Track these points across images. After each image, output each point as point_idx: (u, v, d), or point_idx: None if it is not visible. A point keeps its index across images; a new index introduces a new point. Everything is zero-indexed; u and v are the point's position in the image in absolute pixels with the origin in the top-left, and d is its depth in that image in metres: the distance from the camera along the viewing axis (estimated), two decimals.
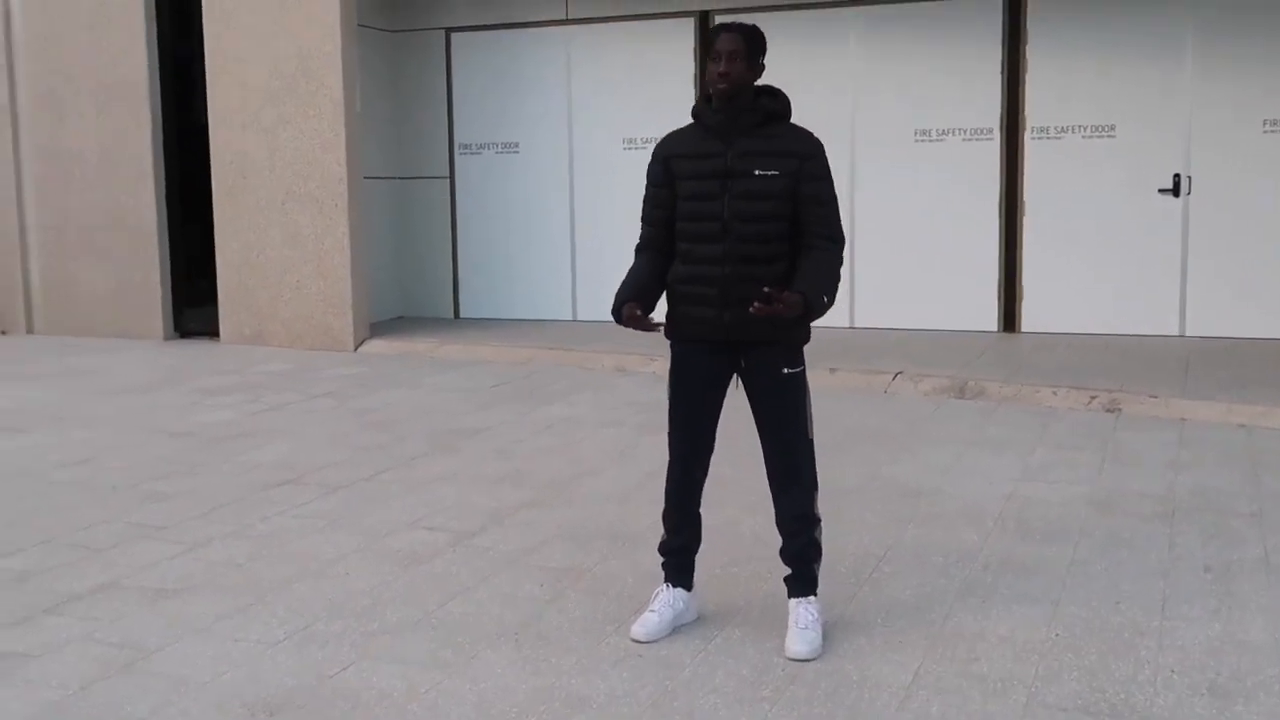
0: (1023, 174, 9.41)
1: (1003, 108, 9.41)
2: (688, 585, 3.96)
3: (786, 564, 3.90)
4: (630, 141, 10.34)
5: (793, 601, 3.86)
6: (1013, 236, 9.50)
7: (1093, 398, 6.97)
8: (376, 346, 9.66)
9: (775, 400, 3.80)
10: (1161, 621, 3.90)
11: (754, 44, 3.70)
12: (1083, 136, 9.26)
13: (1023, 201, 9.42)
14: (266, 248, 9.89)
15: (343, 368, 8.90)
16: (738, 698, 3.41)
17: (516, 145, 10.69)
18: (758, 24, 3.78)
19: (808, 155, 3.72)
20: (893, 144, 9.72)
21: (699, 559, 3.99)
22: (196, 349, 9.96)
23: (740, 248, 3.68)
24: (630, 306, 3.72)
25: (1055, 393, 7.13)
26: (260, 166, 9.83)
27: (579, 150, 10.53)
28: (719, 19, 9.89)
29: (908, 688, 3.46)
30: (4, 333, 11.08)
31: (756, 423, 3.86)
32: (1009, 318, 9.58)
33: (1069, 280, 9.39)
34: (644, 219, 3.87)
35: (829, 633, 3.82)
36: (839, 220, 3.77)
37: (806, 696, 3.41)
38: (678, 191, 3.76)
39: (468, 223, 10.91)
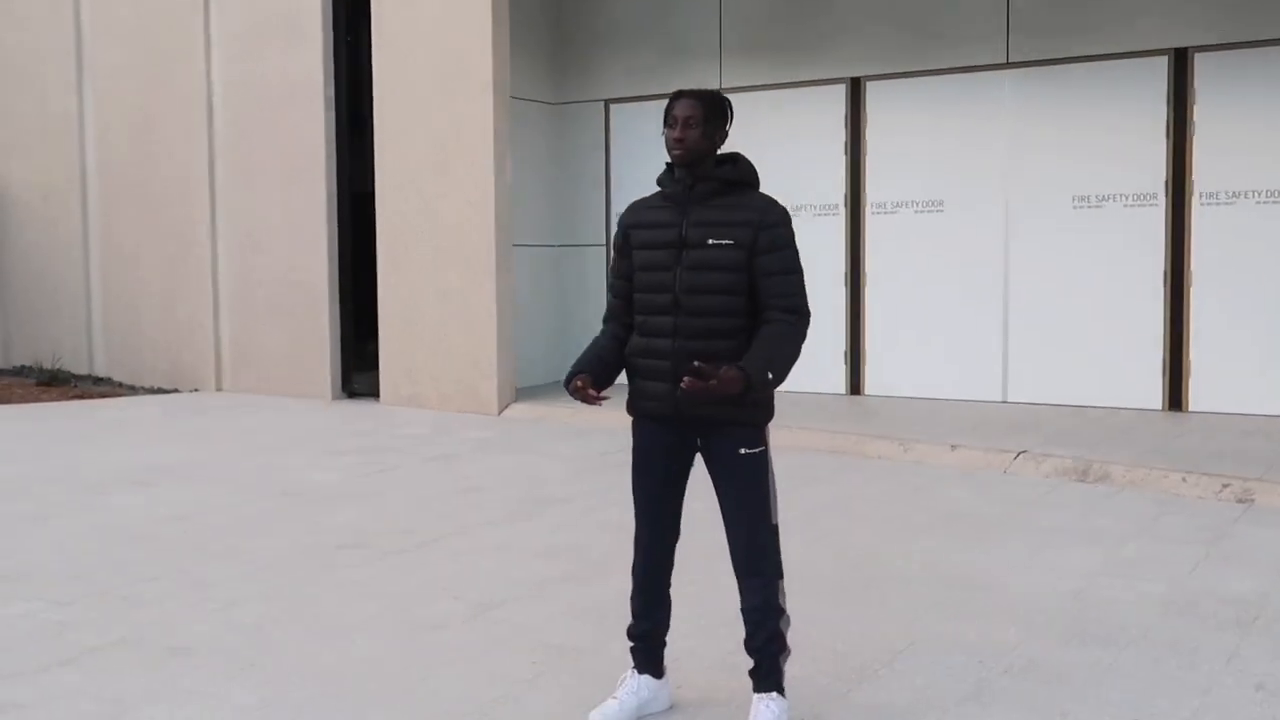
0: (1190, 242, 8.77)
1: (1168, 171, 8.81)
2: (655, 672, 3.78)
3: (749, 655, 3.67)
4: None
5: (755, 697, 3.63)
6: (1179, 308, 8.85)
7: (1225, 486, 6.37)
8: (519, 410, 9.79)
9: (732, 483, 3.60)
10: None
11: (713, 110, 3.55)
12: (1256, 202, 8.56)
13: (1190, 271, 8.77)
14: (422, 312, 10.20)
15: (476, 431, 9.05)
16: None
17: None
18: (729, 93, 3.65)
19: (765, 225, 3.52)
20: (1050, 209, 9.24)
21: (694, 644, 3.81)
22: (354, 409, 10.34)
23: (691, 321, 3.52)
24: (580, 379, 3.61)
25: (1185, 479, 6.54)
26: (419, 233, 10.17)
27: None
28: (869, 85, 9.70)
29: None
30: (196, 390, 11.79)
31: (719, 505, 3.68)
32: (1174, 395, 8.90)
33: (1241, 356, 8.66)
34: (609, 289, 3.78)
35: None
36: (801, 292, 3.55)
37: None
38: (634, 261, 3.65)
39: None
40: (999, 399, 9.48)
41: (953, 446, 7.46)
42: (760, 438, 3.59)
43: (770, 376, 3.41)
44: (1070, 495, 6.63)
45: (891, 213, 9.83)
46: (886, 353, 9.96)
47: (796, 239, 3.61)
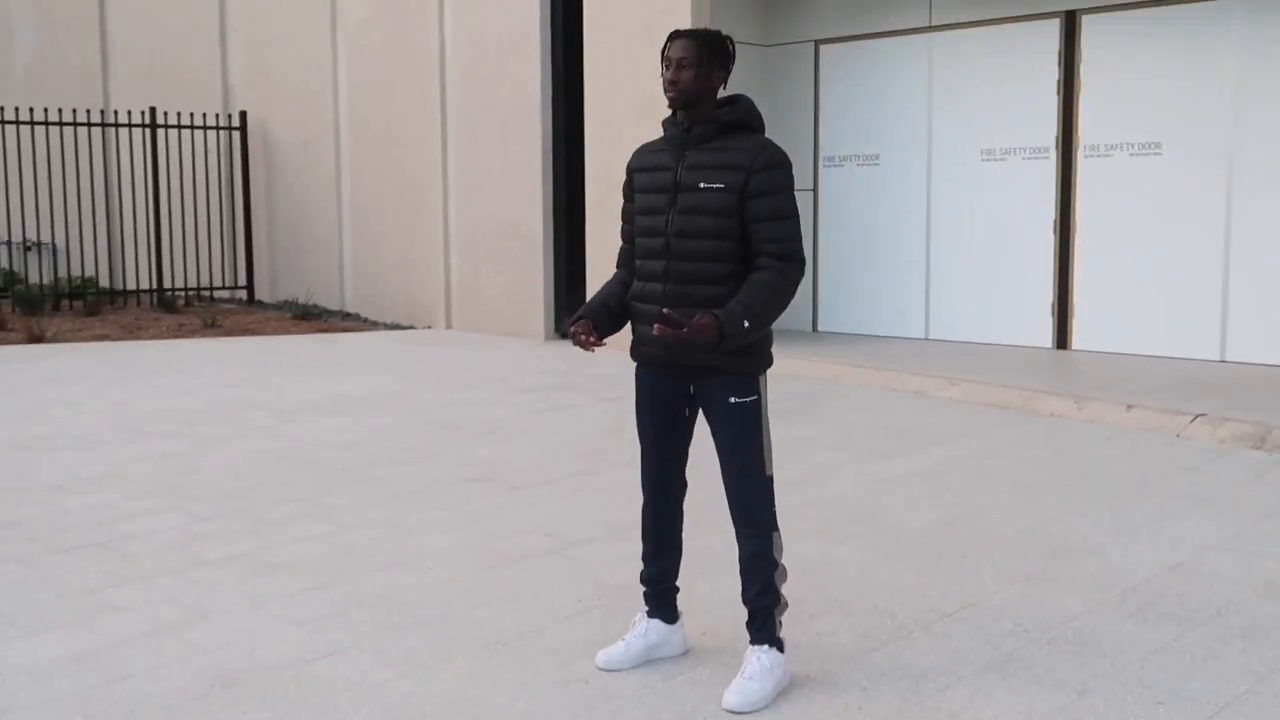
0: None
1: None
2: (667, 617, 3.82)
3: (744, 606, 3.66)
4: (989, 153, 9.78)
5: (749, 648, 3.61)
6: None
7: None
8: None
9: (723, 432, 3.57)
10: None
11: (710, 50, 3.48)
12: None
13: None
14: None
15: None
16: None
17: (876, 157, 10.45)
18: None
19: (758, 168, 3.43)
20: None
21: (721, 590, 3.80)
22: (559, 350, 10.67)
23: (681, 266, 3.50)
24: (580, 325, 3.63)
25: None
26: (621, 180, 10.31)
27: (937, 162, 10.11)
28: (1085, 18, 9.14)
29: None
30: (428, 327, 12.46)
31: (718, 458, 3.66)
32: None
33: None
34: (621, 234, 3.80)
35: (797, 688, 3.56)
36: (792, 237, 3.45)
37: None
38: (635, 205, 3.66)
39: (828, 236, 10.82)
40: (1216, 358, 8.82)
41: (1128, 406, 7.03)
42: (753, 386, 3.54)
43: (746, 325, 3.34)
44: (1235, 463, 6.15)
45: (1105, 155, 9.25)
46: (1096, 306, 9.42)
47: (795, 183, 3.54)
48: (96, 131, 14.34)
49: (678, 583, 3.85)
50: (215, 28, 14.47)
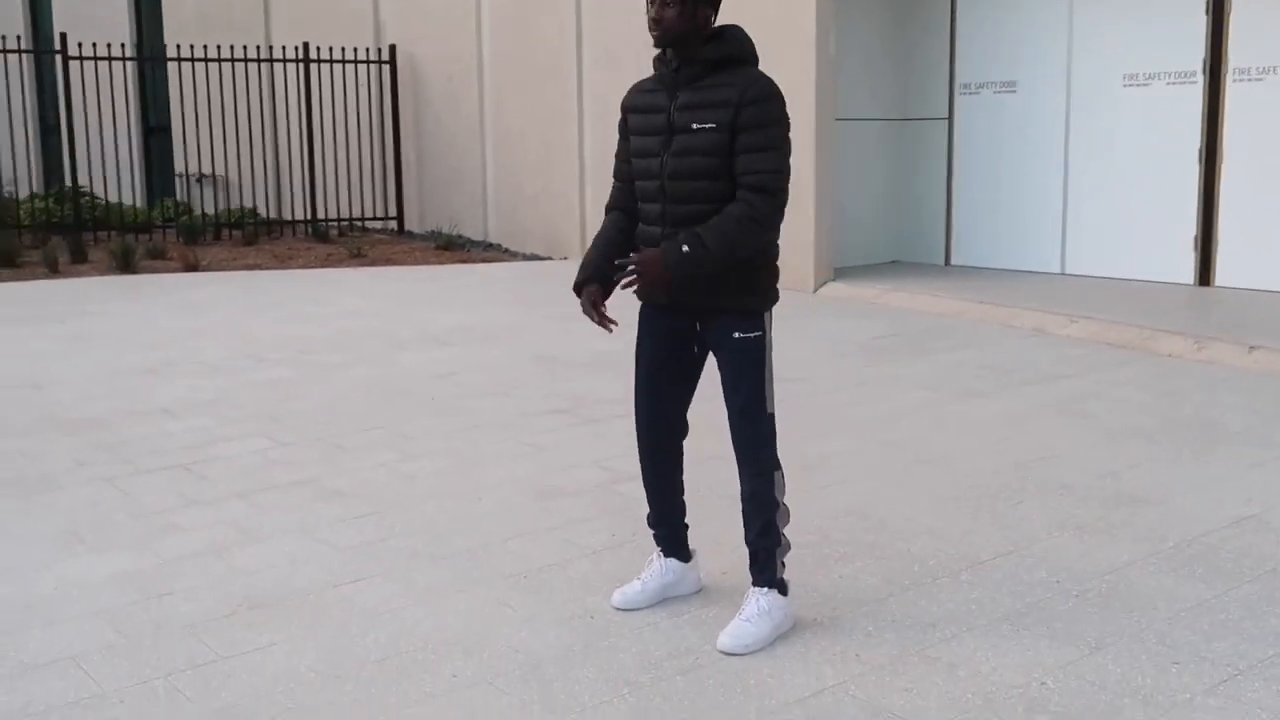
0: None
1: None
2: (681, 556, 3.81)
3: (746, 547, 3.62)
4: (1131, 78, 9.26)
5: (750, 590, 3.58)
6: None
7: None
8: (833, 290, 9.68)
9: (726, 368, 3.53)
10: (1202, 697, 3.08)
11: None
12: None
13: None
14: None
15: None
16: (611, 677, 3.30)
17: (1014, 84, 10.00)
18: None
19: (746, 101, 3.32)
20: None
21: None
22: None
23: (677, 209, 3.43)
24: (591, 292, 3.58)
25: None
26: None
27: (1077, 89, 9.62)
28: None
29: (790, 704, 3.12)
30: (565, 258, 12.56)
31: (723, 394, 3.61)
32: None
33: None
34: (614, 174, 3.71)
35: (799, 632, 3.52)
36: (773, 169, 3.32)
37: (675, 691, 3.22)
38: (630, 147, 3.60)
39: (963, 166, 10.44)
40: None
41: (1250, 348, 6.62)
42: (757, 322, 3.48)
43: (686, 249, 3.29)
44: None
45: (1256, 79, 8.64)
46: (1243, 240, 8.86)
47: (787, 115, 3.39)
48: (259, 67, 14.83)
49: (687, 520, 3.82)
50: None
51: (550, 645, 3.49)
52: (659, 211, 3.48)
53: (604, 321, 3.57)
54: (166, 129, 16.53)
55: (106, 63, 14.38)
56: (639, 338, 3.68)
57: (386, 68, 14.61)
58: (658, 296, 3.55)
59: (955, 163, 10.48)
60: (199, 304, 9.74)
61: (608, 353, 7.57)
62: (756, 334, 3.48)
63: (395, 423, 5.98)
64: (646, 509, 3.81)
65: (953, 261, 10.60)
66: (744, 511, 3.58)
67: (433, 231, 14.23)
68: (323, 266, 12.26)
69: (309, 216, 14.51)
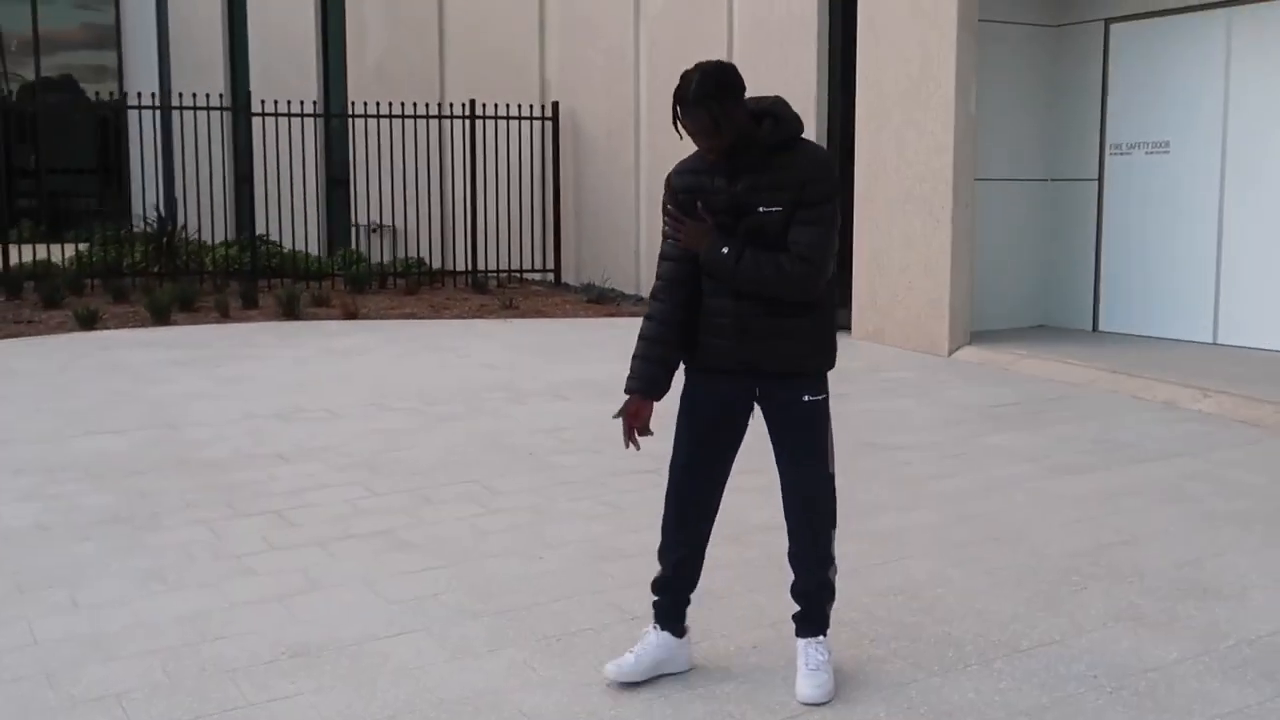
0: None
1: None
2: (677, 631, 3.78)
3: (795, 600, 3.69)
4: None
5: (801, 642, 3.66)
6: None
7: None
8: (967, 354, 9.46)
9: (793, 431, 3.60)
10: None
11: (717, 106, 3.38)
12: None
13: None
14: (889, 247, 10.15)
15: (904, 371, 8.92)
16: None
17: (1166, 145, 9.64)
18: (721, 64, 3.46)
19: (807, 181, 3.44)
20: None
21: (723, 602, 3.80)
22: None
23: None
24: (633, 412, 3.63)
25: None
26: (888, 168, 10.09)
27: (1233, 150, 9.22)
28: None
29: None
30: None
31: (775, 454, 3.65)
32: None
33: None
34: (663, 255, 3.69)
35: (809, 714, 3.47)
36: (817, 244, 3.42)
37: None
38: None
39: (1113, 229, 10.10)
40: None
41: None
42: (823, 384, 3.60)
43: (725, 252, 3.45)
44: None
45: None
46: None
47: (839, 186, 3.53)
48: (429, 123, 15.43)
49: (690, 596, 3.82)
50: (535, 20, 15.20)
51: (557, 712, 3.52)
52: (731, 291, 3.52)
53: (633, 438, 3.64)
54: (347, 181, 17.34)
55: (292, 119, 15.19)
56: (692, 405, 3.67)
57: (549, 124, 15.00)
58: (723, 362, 3.58)
59: (1105, 225, 10.14)
60: (346, 351, 10.16)
61: None
62: (823, 396, 3.60)
63: (488, 476, 6.12)
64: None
65: (1101, 327, 10.24)
66: (797, 568, 3.66)
67: (588, 284, 14.50)
68: (474, 317, 12.62)
69: (470, 267, 14.97)
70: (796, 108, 10.75)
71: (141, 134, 15.41)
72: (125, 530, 5.31)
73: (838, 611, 4.16)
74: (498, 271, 15.09)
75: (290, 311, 12.27)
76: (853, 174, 10.59)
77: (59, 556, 4.97)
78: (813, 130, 10.97)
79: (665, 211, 3.67)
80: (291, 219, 15.02)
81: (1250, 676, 3.66)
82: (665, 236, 3.67)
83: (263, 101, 14.81)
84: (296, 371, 9.18)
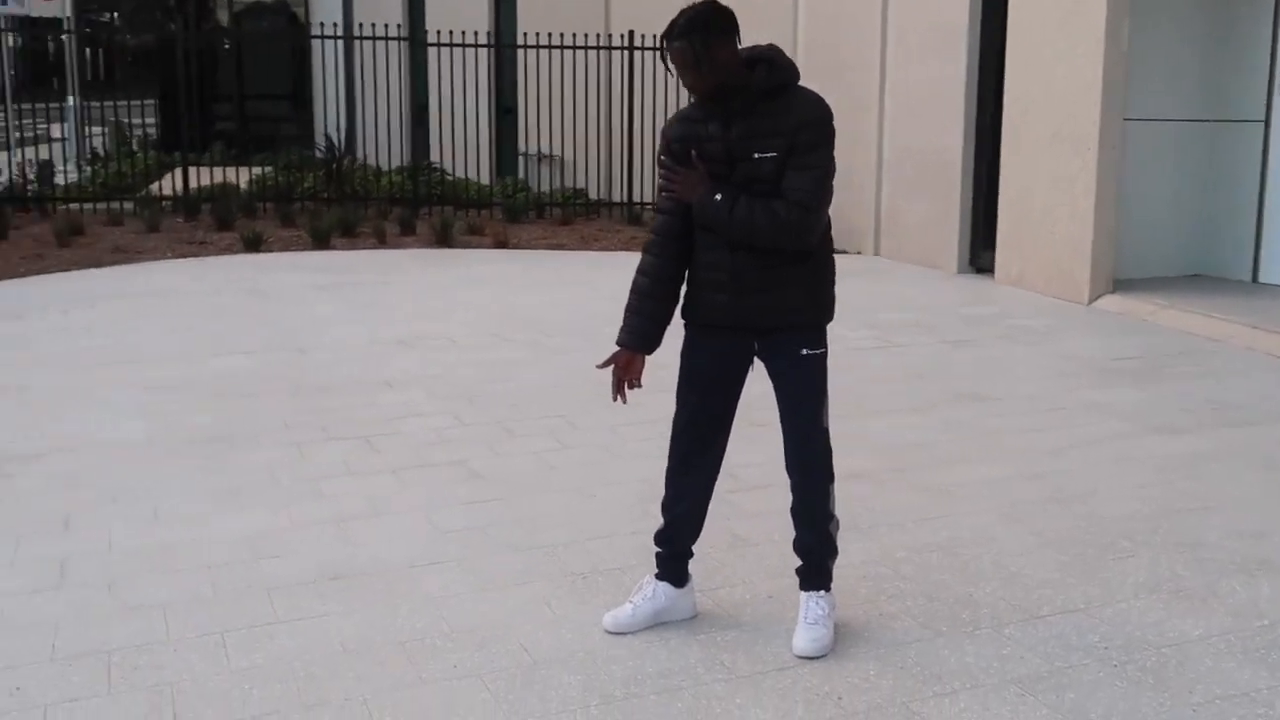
0: None
1: None
2: (676, 581, 3.81)
3: (797, 555, 3.70)
4: None
5: (803, 595, 3.68)
6: None
7: None
8: (1108, 303, 9.08)
9: (790, 384, 3.60)
10: None
11: (702, 40, 3.34)
12: None
13: None
14: (1035, 189, 9.78)
15: (1037, 319, 8.63)
16: (590, 689, 3.40)
17: None
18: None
19: (801, 126, 3.40)
20: None
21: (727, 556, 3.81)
22: (959, 284, 10.28)
23: None
24: (625, 358, 3.68)
25: None
26: (1038, 105, 9.69)
27: None
28: None
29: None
30: (859, 253, 12.44)
31: (778, 408, 3.64)
32: None
33: None
34: (658, 208, 3.69)
35: (800, 666, 3.50)
36: (811, 189, 3.38)
37: (640, 711, 3.29)
38: None
39: (1278, 173, 9.47)
40: None
41: None
42: (822, 338, 3.59)
43: (718, 198, 3.42)
44: None
45: None
46: None
47: (834, 134, 3.48)
48: (594, 54, 15.51)
49: (694, 548, 3.84)
50: None
51: (557, 649, 3.63)
52: (728, 240, 3.51)
53: (621, 391, 3.69)
54: (515, 110, 17.59)
55: (464, 50, 15.49)
56: (693, 361, 3.69)
57: None
58: (722, 317, 3.58)
59: (1270, 169, 9.53)
60: (483, 279, 10.40)
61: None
62: (822, 350, 3.59)
63: (575, 411, 6.23)
64: (673, 524, 3.82)
65: (1261, 279, 9.66)
66: (798, 521, 3.66)
67: None
68: (623, 249, 12.72)
69: (626, 199, 15.07)
70: (947, 38, 10.46)
71: (324, 63, 15.97)
72: (222, 449, 5.63)
73: (863, 565, 4.19)
74: (654, 204, 15.12)
75: (444, 239, 12.61)
76: (1001, 111, 10.22)
77: (156, 470, 5.33)
78: (962, 67, 10.62)
79: (660, 163, 3.66)
80: (464, 147, 15.37)
81: (1273, 659, 3.50)
82: (660, 190, 3.67)
83: (438, 32, 15.13)
84: (431, 299, 9.46)
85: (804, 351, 3.56)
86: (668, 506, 3.81)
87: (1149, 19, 9.39)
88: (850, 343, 7.84)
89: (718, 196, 3.42)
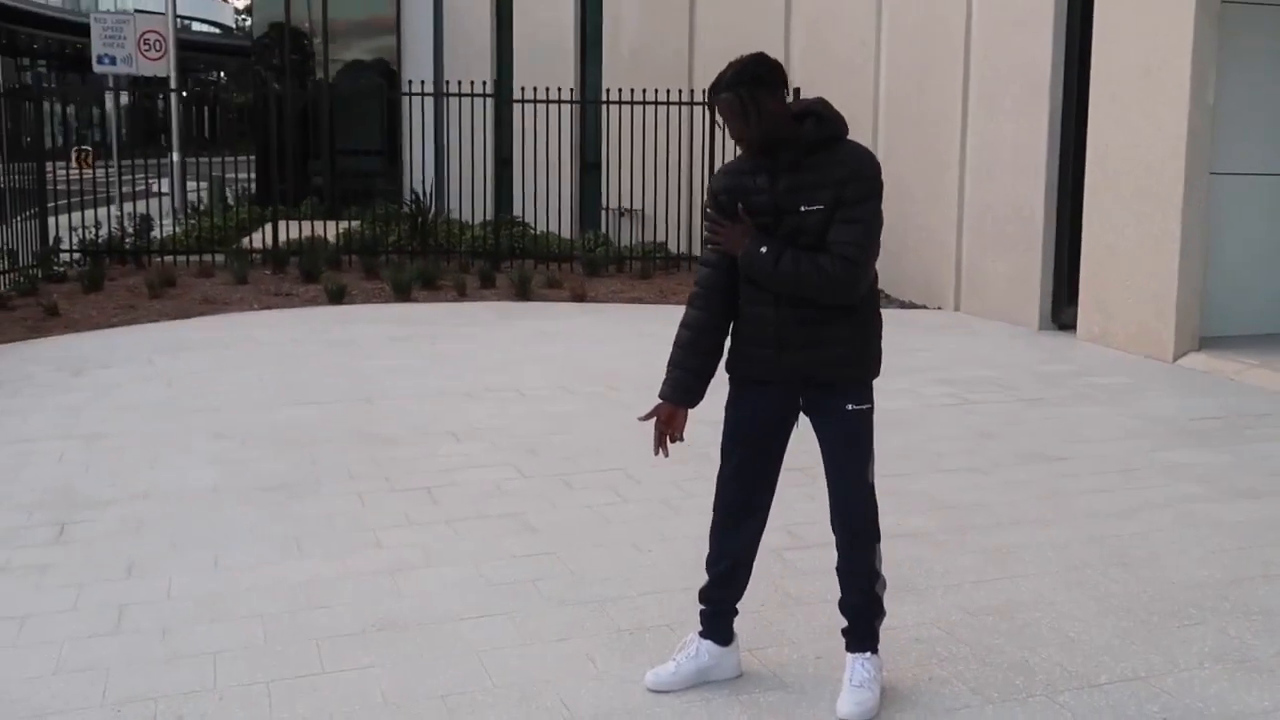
0: None
1: None
2: (721, 639, 3.76)
3: (843, 615, 3.64)
4: None
5: (849, 656, 3.62)
6: None
7: None
8: (1193, 360, 8.84)
9: (835, 440, 3.56)
10: None
11: (749, 94, 3.33)
12: None
13: None
14: (1118, 245, 9.60)
15: (1113, 376, 8.44)
16: None
17: None
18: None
19: (848, 179, 3.37)
20: None
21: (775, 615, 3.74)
22: (1039, 341, 10.09)
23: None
24: (669, 412, 3.67)
25: None
26: (1120, 160, 9.53)
27: None
28: None
29: None
30: (939, 308, 12.29)
31: (824, 465, 3.59)
32: None
33: None
34: (703, 260, 3.68)
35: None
36: (863, 244, 3.35)
37: None
38: None
39: None
40: None
41: None
42: (868, 393, 3.54)
43: (764, 251, 3.39)
44: None
45: None
46: None
47: (882, 186, 3.44)
48: (677, 110, 15.62)
49: (739, 605, 3.78)
50: (782, 8, 15.13)
51: (597, 706, 3.59)
52: (773, 294, 3.49)
53: (663, 444, 3.67)
54: (599, 165, 17.77)
55: (550, 106, 15.70)
56: (738, 416, 3.65)
57: None
58: (765, 372, 3.56)
59: None
60: (557, 333, 10.46)
61: (897, 410, 7.40)
62: (867, 405, 3.54)
63: (636, 465, 6.20)
64: (716, 582, 3.77)
65: None
66: (843, 581, 3.61)
67: None
68: None
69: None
70: (1028, 97, 10.42)
71: (414, 119, 16.30)
72: (284, 497, 5.70)
73: (916, 627, 4.09)
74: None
75: (522, 292, 12.72)
76: (1084, 166, 10.07)
77: (219, 518, 5.41)
78: (1044, 120, 10.49)
79: (705, 215, 3.65)
80: (548, 202, 15.57)
81: None
82: (705, 242, 3.66)
83: (523, 89, 15.36)
84: (503, 351, 9.53)
85: (849, 407, 3.51)
86: (711, 563, 3.77)
87: (1235, 71, 9.22)
88: (924, 399, 7.73)
89: (764, 249, 3.39)
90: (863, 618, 3.59)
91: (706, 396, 3.68)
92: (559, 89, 15.68)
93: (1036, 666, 3.80)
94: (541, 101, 14.87)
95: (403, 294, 12.53)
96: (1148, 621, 4.14)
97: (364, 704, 3.62)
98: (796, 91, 14.41)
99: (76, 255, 14.34)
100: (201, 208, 18.32)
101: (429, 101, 16.15)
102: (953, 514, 5.35)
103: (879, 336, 3.59)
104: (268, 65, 25.17)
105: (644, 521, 5.32)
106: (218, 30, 66.16)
